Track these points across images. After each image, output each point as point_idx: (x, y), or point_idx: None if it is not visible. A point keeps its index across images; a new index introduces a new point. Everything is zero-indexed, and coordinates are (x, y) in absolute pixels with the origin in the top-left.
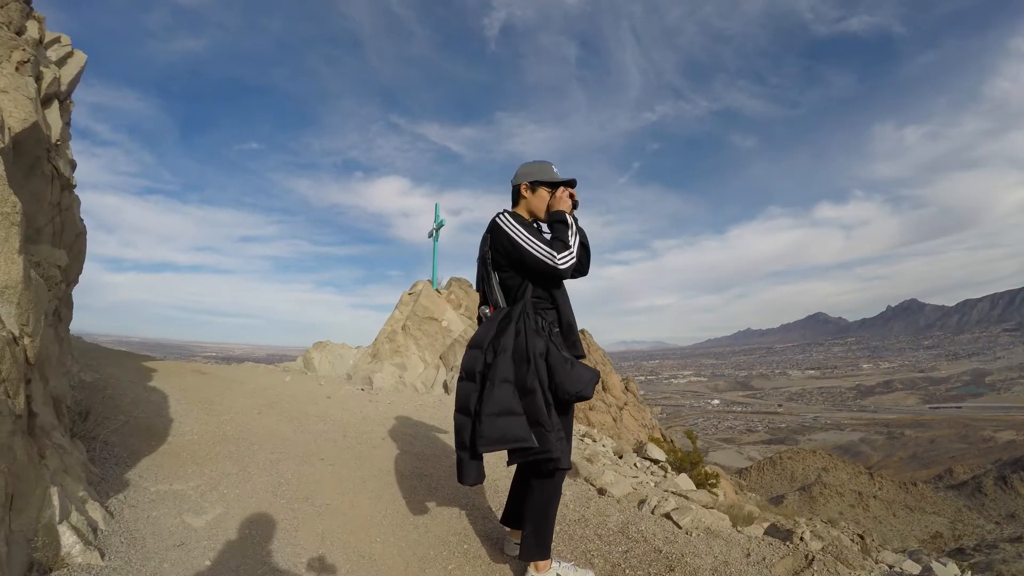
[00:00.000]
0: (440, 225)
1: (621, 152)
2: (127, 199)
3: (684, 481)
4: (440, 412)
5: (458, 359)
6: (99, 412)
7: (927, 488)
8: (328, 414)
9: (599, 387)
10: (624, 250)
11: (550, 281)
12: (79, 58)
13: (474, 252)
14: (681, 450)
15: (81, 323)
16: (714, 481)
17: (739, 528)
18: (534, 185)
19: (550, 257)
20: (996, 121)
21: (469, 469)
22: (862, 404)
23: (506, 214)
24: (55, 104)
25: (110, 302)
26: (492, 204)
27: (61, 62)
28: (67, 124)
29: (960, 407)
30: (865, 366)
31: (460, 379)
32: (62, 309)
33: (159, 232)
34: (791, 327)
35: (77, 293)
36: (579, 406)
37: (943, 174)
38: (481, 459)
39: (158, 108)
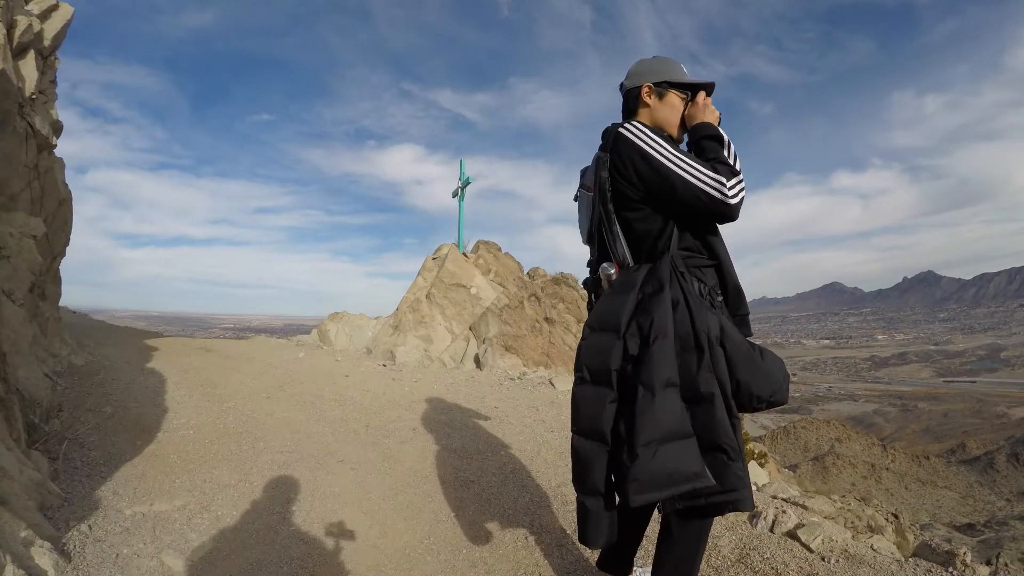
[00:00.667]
0: (466, 183)
1: None
2: (141, 175)
3: (757, 472)
4: (474, 391)
5: (490, 330)
6: (82, 403)
7: (939, 462)
8: (347, 396)
9: None
10: None
11: (708, 223)
12: (65, 11)
13: (491, 221)
14: None
15: (99, 299)
16: (763, 461)
17: (874, 547)
18: (661, 88)
19: (717, 186)
20: (1018, 92)
21: (600, 525)
22: (876, 375)
23: (636, 125)
24: (31, 55)
25: (127, 278)
26: (507, 171)
27: (44, 15)
28: (52, 82)
29: (974, 382)
30: (880, 337)
31: (580, 382)
32: (46, 285)
33: (174, 207)
34: (806, 296)
35: (94, 271)
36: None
37: (962, 145)
38: (624, 508)
39: (168, 83)
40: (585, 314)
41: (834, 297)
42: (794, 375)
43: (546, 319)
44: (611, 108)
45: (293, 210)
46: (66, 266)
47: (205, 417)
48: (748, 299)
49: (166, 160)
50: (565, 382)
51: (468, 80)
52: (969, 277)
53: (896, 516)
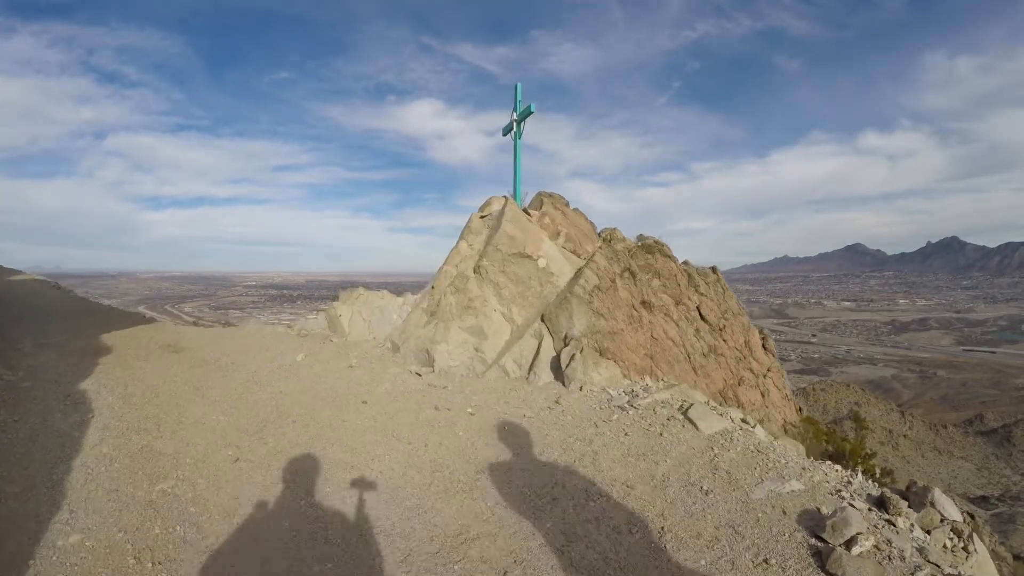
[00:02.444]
0: (525, 113)
1: (660, 71)
2: (161, 138)
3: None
4: (570, 435)
5: (576, 323)
6: None
7: (956, 432)
8: (368, 453)
9: (743, 348)
10: (663, 171)
11: None
12: None
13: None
14: (844, 437)
15: (124, 262)
16: (887, 480)
17: None
18: None
19: None
20: None
21: None
22: (896, 340)
23: None
24: None
25: (151, 240)
26: (529, 124)
27: None
28: None
29: (994, 352)
30: (901, 301)
31: None
32: None
33: (194, 168)
34: (828, 256)
35: (117, 234)
36: (724, 378)
37: (995, 109)
38: None
39: (184, 44)
40: (688, 295)
41: (856, 259)
42: (814, 336)
43: (643, 303)
44: (633, 61)
45: (314, 167)
46: (90, 230)
47: (118, 523)
48: (770, 258)
49: (184, 122)
50: (706, 414)
51: (488, 33)
52: (994, 245)
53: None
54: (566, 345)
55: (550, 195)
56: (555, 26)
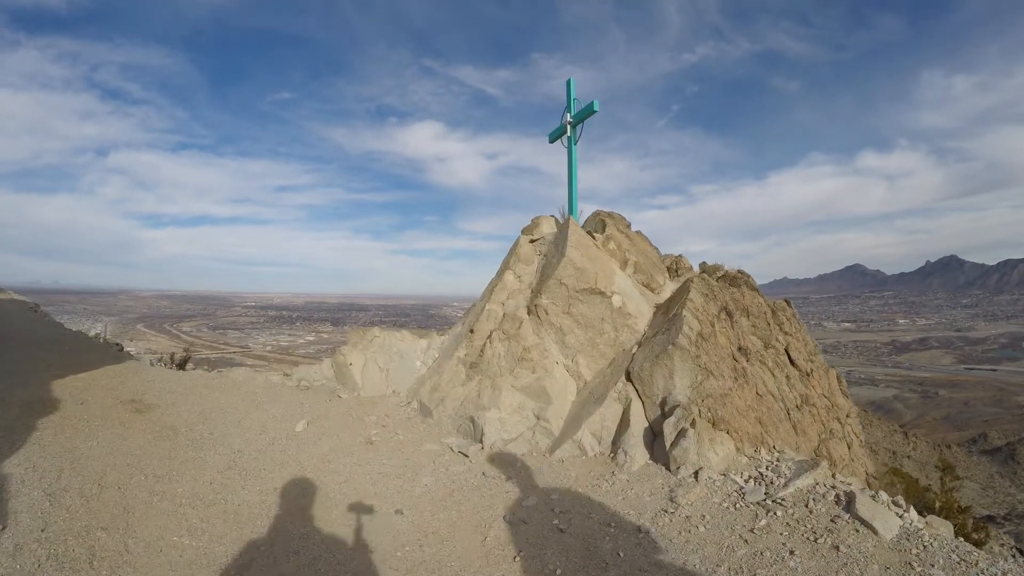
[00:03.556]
0: (586, 113)
1: (660, 94)
2: (162, 156)
3: None
4: (715, 544)
5: (677, 381)
6: None
7: (960, 451)
8: None
9: (823, 396)
10: (662, 194)
11: None
12: None
13: (515, 198)
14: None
15: (124, 279)
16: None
17: None
18: None
19: None
20: None
21: None
22: (897, 360)
23: None
24: None
25: (151, 258)
26: (530, 147)
27: None
28: None
29: (995, 370)
30: (901, 322)
31: None
32: None
33: (196, 186)
34: (828, 278)
35: (117, 251)
36: (818, 432)
37: (992, 127)
38: None
39: (188, 63)
40: (776, 335)
41: (856, 279)
42: None
43: (740, 350)
44: (633, 84)
45: (315, 188)
46: (90, 247)
47: None
48: (770, 280)
49: (187, 140)
50: (876, 509)
51: (490, 56)
52: (993, 263)
53: None
54: (667, 414)
55: (610, 215)
56: (556, 49)
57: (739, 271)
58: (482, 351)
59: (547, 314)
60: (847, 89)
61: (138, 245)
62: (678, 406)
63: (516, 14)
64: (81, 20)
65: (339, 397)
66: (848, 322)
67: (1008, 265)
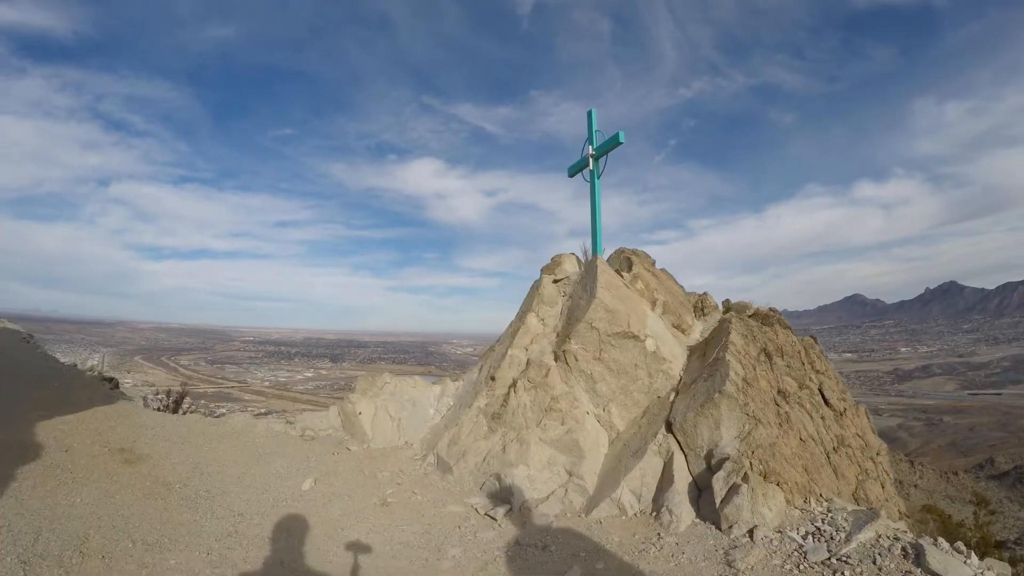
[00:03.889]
0: (610, 145)
1: (657, 129)
2: (164, 188)
3: None
4: None
5: (723, 431)
6: None
7: (968, 478)
8: None
9: (857, 436)
10: (660, 229)
11: None
12: None
13: (513, 235)
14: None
15: (122, 311)
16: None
17: None
18: None
19: None
20: None
21: None
22: (900, 388)
23: None
24: None
25: (150, 290)
26: (528, 184)
27: None
28: None
29: (1000, 394)
30: (903, 349)
31: None
32: None
33: (196, 219)
34: (828, 308)
35: (117, 282)
36: (856, 475)
37: (985, 151)
38: None
39: (191, 97)
40: (809, 374)
41: (856, 309)
42: None
43: (780, 393)
44: (630, 119)
45: (314, 224)
46: (89, 276)
47: None
48: None
49: (188, 173)
50: (945, 560)
51: (489, 93)
52: (992, 287)
53: None
54: (715, 467)
55: (635, 252)
56: (554, 86)
57: (770, 309)
58: (505, 400)
59: (576, 360)
60: (842, 120)
61: (137, 276)
62: (727, 459)
63: (514, 52)
64: (87, 51)
65: (348, 449)
66: (849, 352)
67: (1008, 288)
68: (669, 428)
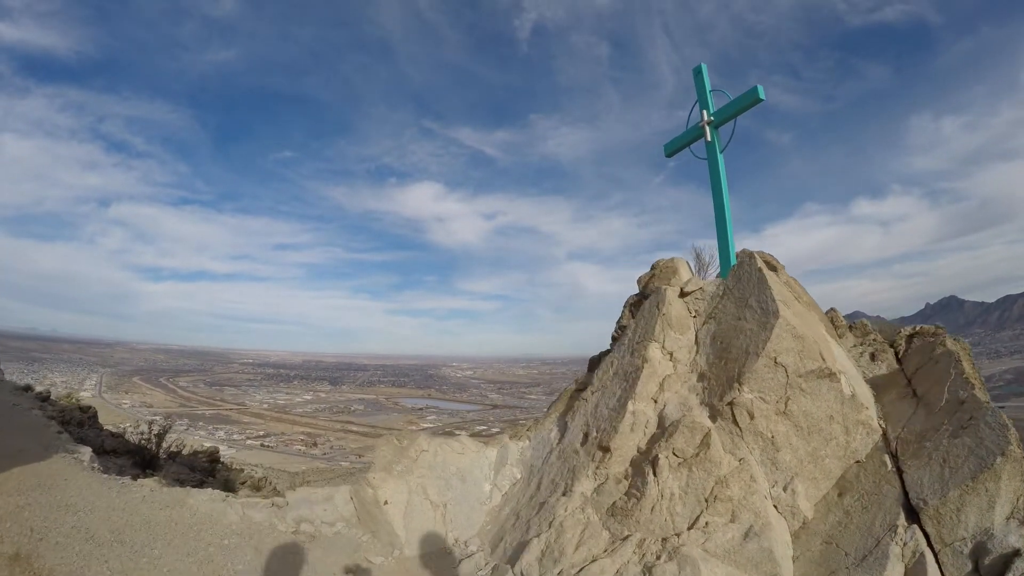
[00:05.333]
0: (741, 106)
1: (655, 151)
2: (163, 210)
3: None
4: None
5: (996, 511)
6: None
7: None
8: None
9: None
10: (660, 251)
11: None
12: None
13: (513, 257)
14: None
15: (121, 332)
16: None
17: None
18: None
19: None
20: None
21: None
22: None
23: None
24: None
25: (149, 311)
26: (528, 207)
27: None
28: None
29: (1003, 407)
30: None
31: None
32: None
33: (195, 241)
34: None
35: (116, 303)
36: None
37: (982, 165)
38: None
39: (192, 119)
40: None
41: None
42: None
43: None
44: (628, 142)
45: (314, 247)
46: (88, 296)
47: None
48: None
49: (188, 195)
50: None
51: (488, 117)
52: (992, 300)
53: None
54: (990, 568)
55: (765, 256)
56: (553, 110)
57: (937, 327)
58: (633, 486)
59: (752, 418)
60: (839, 139)
61: (136, 297)
62: (1017, 554)
63: (513, 77)
64: (89, 71)
65: (368, 561)
66: None
67: (1008, 301)
68: (910, 513)
